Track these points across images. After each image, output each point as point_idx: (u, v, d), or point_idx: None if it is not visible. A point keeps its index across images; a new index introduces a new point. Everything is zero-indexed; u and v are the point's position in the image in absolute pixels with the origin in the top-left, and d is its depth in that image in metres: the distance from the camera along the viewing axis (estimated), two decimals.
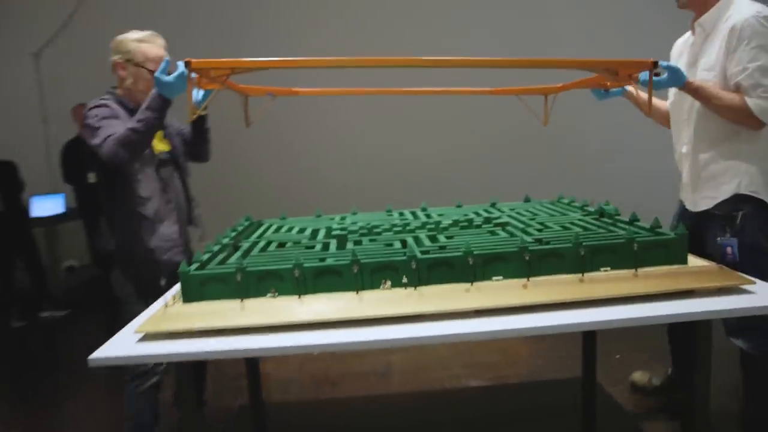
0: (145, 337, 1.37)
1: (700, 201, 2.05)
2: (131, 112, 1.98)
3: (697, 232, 2.00)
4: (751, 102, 1.82)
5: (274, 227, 2.10)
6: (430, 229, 1.84)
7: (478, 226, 1.88)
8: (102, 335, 1.41)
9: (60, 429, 2.75)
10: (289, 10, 5.06)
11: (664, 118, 2.29)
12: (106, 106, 1.98)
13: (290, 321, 1.37)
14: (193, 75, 1.66)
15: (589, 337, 2.26)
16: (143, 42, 2.04)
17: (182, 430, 2.04)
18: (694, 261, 1.59)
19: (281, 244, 1.78)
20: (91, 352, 1.31)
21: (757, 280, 1.50)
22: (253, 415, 2.27)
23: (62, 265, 5.15)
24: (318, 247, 1.70)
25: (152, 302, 1.65)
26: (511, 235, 1.71)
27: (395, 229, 1.87)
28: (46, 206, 4.94)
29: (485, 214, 2.07)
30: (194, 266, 1.51)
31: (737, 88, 1.86)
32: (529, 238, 1.60)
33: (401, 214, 2.23)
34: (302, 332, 1.35)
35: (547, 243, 1.54)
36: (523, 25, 4.99)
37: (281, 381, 3.03)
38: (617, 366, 2.86)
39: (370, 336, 1.33)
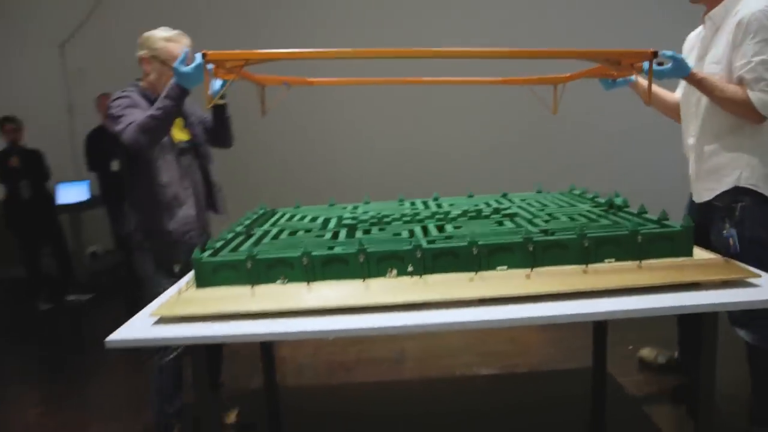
0: (160, 320, 1.43)
1: (703, 192, 2.07)
2: (152, 103, 2.07)
3: (704, 225, 2.01)
4: (753, 95, 1.82)
5: (287, 216, 2.15)
6: (438, 219, 1.88)
7: (487, 217, 1.90)
8: (124, 319, 1.48)
9: (82, 408, 2.85)
10: (304, 8, 5.12)
11: (672, 111, 2.29)
12: (128, 97, 2.10)
13: (299, 307, 1.42)
14: (210, 66, 1.73)
15: (599, 327, 2.27)
16: (170, 41, 2.15)
17: (196, 411, 2.11)
18: (700, 253, 1.59)
19: (293, 233, 1.83)
20: None
21: (763, 273, 1.50)
22: (267, 398, 2.33)
23: (86, 251, 5.29)
24: (328, 235, 1.75)
25: (170, 281, 1.73)
26: (518, 225, 1.73)
27: (405, 218, 1.90)
28: (71, 193, 5.07)
29: (495, 205, 2.09)
30: (207, 253, 1.56)
31: (740, 82, 1.86)
32: (534, 229, 1.62)
33: (412, 203, 2.27)
34: (311, 318, 1.39)
35: (552, 234, 1.56)
36: (530, 23, 4.96)
37: (296, 365, 3.10)
38: (630, 357, 2.87)
39: (375, 323, 1.37)
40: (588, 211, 1.88)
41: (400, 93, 4.85)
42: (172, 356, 2.17)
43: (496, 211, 1.96)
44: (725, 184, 1.97)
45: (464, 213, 1.93)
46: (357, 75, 2.42)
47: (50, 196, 4.79)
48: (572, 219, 1.77)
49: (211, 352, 2.36)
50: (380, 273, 1.49)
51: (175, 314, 1.42)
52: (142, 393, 2.78)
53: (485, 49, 1.73)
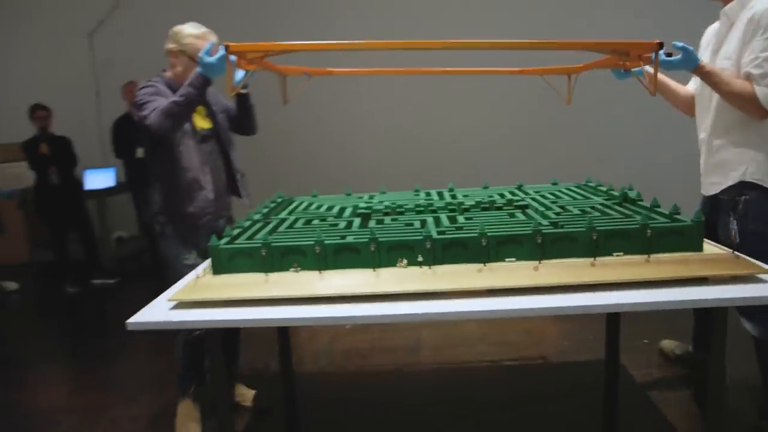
0: (178, 305, 1.49)
1: (710, 186, 2.09)
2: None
3: (712, 219, 2.01)
4: (759, 91, 1.82)
5: (304, 204, 2.19)
6: (451, 210, 1.90)
7: (499, 208, 1.92)
8: (148, 303, 1.54)
9: (106, 388, 2.95)
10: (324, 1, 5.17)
11: (682, 104, 2.29)
12: (154, 86, 2.20)
13: (311, 294, 1.46)
14: (233, 58, 1.79)
15: (612, 319, 2.28)
16: (199, 38, 2.21)
17: (211, 396, 2.20)
18: (710, 248, 1.59)
19: (308, 221, 1.87)
20: None
21: None
22: (283, 382, 2.39)
23: (112, 236, 5.43)
24: (342, 225, 1.79)
25: (192, 265, 1.83)
26: (530, 217, 1.74)
27: (418, 208, 1.93)
28: (98, 179, 5.19)
29: (509, 196, 2.10)
30: (224, 240, 1.61)
31: (747, 77, 1.85)
32: (545, 221, 1.64)
33: (427, 194, 2.29)
34: (323, 305, 1.43)
35: (561, 226, 1.57)
36: (548, 16, 4.93)
37: (312, 352, 3.16)
38: (643, 350, 2.87)
39: (386, 311, 1.41)
40: (601, 204, 1.89)
41: (418, 85, 4.88)
42: (197, 333, 2.26)
43: (509, 202, 1.98)
44: (731, 179, 1.98)
45: (477, 204, 1.95)
46: (374, 67, 2.46)
47: (78, 183, 4.91)
48: (584, 212, 1.78)
49: (228, 339, 2.43)
50: (391, 262, 1.53)
51: (192, 299, 1.47)
52: (164, 374, 2.88)
53: (497, 41, 1.75)
